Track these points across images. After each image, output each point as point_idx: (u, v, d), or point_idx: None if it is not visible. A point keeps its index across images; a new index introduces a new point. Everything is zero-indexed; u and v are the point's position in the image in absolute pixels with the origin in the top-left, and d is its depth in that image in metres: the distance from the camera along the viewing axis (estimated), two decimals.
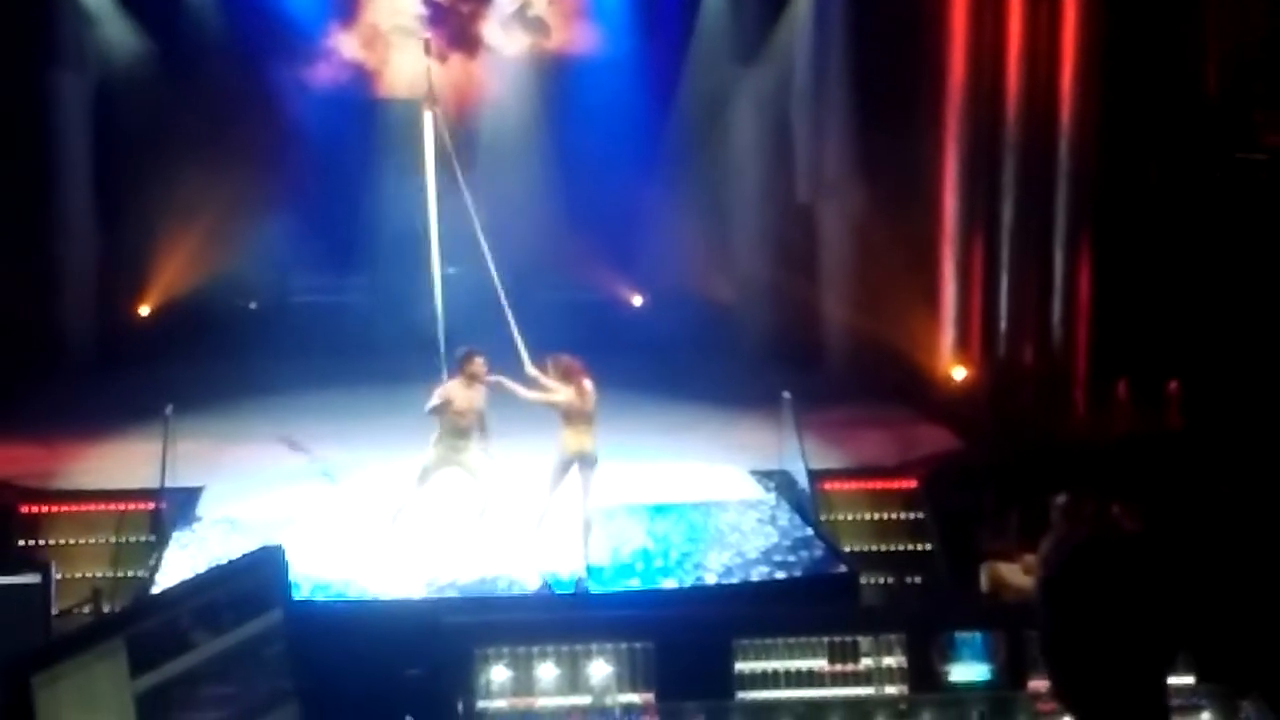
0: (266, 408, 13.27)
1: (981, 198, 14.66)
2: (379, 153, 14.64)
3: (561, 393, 9.12)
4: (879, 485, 11.56)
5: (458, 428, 9.21)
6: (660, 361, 14.45)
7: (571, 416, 9.16)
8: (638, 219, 15.46)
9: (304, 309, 15.76)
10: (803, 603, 9.13)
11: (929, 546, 10.98)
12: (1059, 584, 2.61)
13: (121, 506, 10.30)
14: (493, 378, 9.26)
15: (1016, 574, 8.56)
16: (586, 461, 9.23)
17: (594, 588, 9.17)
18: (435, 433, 9.28)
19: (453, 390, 9.21)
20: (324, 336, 14.66)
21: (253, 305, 16.00)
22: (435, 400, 9.22)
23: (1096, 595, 2.56)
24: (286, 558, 3.72)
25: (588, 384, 9.17)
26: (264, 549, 3.82)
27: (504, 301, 9.62)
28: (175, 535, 9.97)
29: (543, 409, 9.33)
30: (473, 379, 9.20)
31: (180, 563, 9.35)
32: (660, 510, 10.79)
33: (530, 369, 9.34)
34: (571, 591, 9.08)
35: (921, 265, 14.71)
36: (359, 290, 15.96)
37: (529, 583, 9.23)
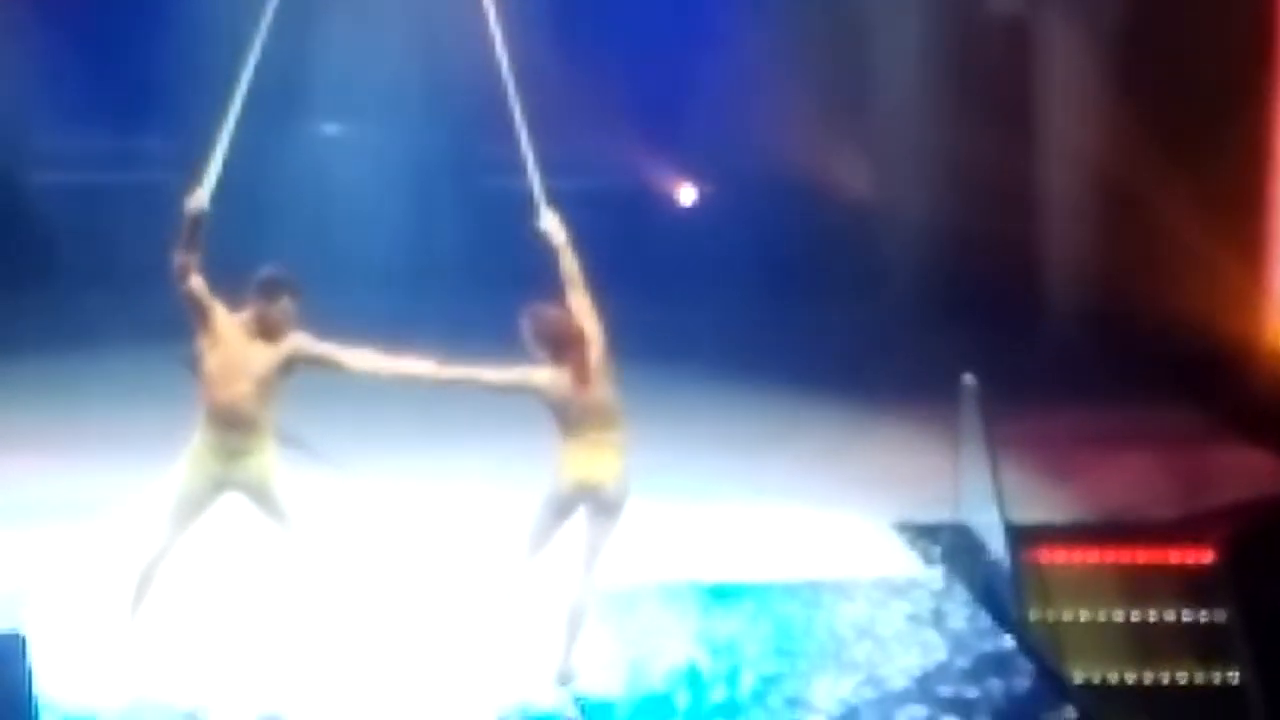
0: None
1: None
2: None
3: (542, 374, 9.23)
4: (1143, 558, 11.51)
5: (226, 413, 9.29)
6: (725, 310, 14.66)
7: (573, 420, 9.28)
8: (688, 53, 15.83)
9: (58, 197, 15.99)
10: None
11: (1236, 676, 10.91)
12: None
13: None
14: (317, 347, 9.33)
15: None
16: (601, 502, 9.34)
17: None
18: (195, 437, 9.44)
19: (228, 338, 9.28)
20: (94, 247, 14.93)
21: None
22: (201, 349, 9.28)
23: None
24: (29, 655, 3.68)
25: (594, 358, 9.26)
26: None
27: (536, 187, 9.72)
28: None
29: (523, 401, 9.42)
30: (271, 327, 9.32)
31: None
32: (723, 595, 10.93)
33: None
34: None
35: (1228, 143, 14.70)
36: (159, 162, 16.04)
37: None
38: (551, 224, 9.48)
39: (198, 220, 9.17)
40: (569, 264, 9.33)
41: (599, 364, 9.26)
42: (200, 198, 9.19)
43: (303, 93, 11.89)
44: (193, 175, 9.37)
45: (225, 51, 14.10)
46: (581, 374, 9.20)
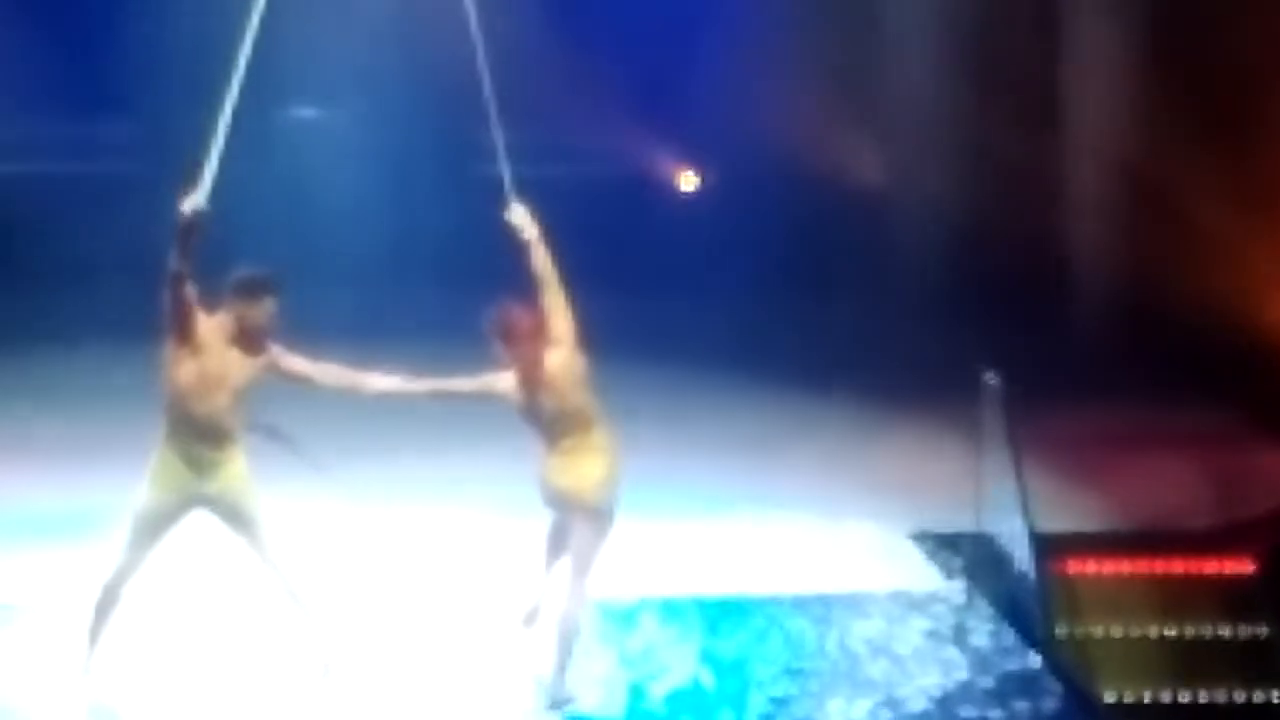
0: None
1: None
2: None
3: (505, 379, 9.29)
4: (1178, 569, 11.36)
5: (201, 425, 9.29)
6: (731, 305, 14.69)
7: (545, 425, 9.33)
8: (695, 33, 16.01)
9: (15, 187, 16.14)
10: None
11: (1278, 694, 10.64)
12: None
13: None
14: (293, 364, 9.39)
15: None
16: (585, 510, 9.37)
17: None
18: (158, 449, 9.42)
19: (208, 346, 9.24)
20: (54, 239, 15.11)
21: None
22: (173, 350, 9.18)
23: None
24: None
25: (556, 360, 9.24)
26: None
27: (505, 175, 9.61)
28: None
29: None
30: (250, 330, 9.33)
31: None
32: (729, 611, 10.92)
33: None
34: None
35: (1259, 135, 14.70)
36: (124, 150, 16.41)
37: None
38: (521, 218, 9.30)
39: (194, 224, 8.99)
40: (540, 260, 9.18)
41: (566, 365, 9.20)
42: (197, 201, 9.00)
43: (278, 81, 11.91)
44: (179, 175, 9.23)
45: (186, 38, 14.32)
46: (535, 372, 9.11)
